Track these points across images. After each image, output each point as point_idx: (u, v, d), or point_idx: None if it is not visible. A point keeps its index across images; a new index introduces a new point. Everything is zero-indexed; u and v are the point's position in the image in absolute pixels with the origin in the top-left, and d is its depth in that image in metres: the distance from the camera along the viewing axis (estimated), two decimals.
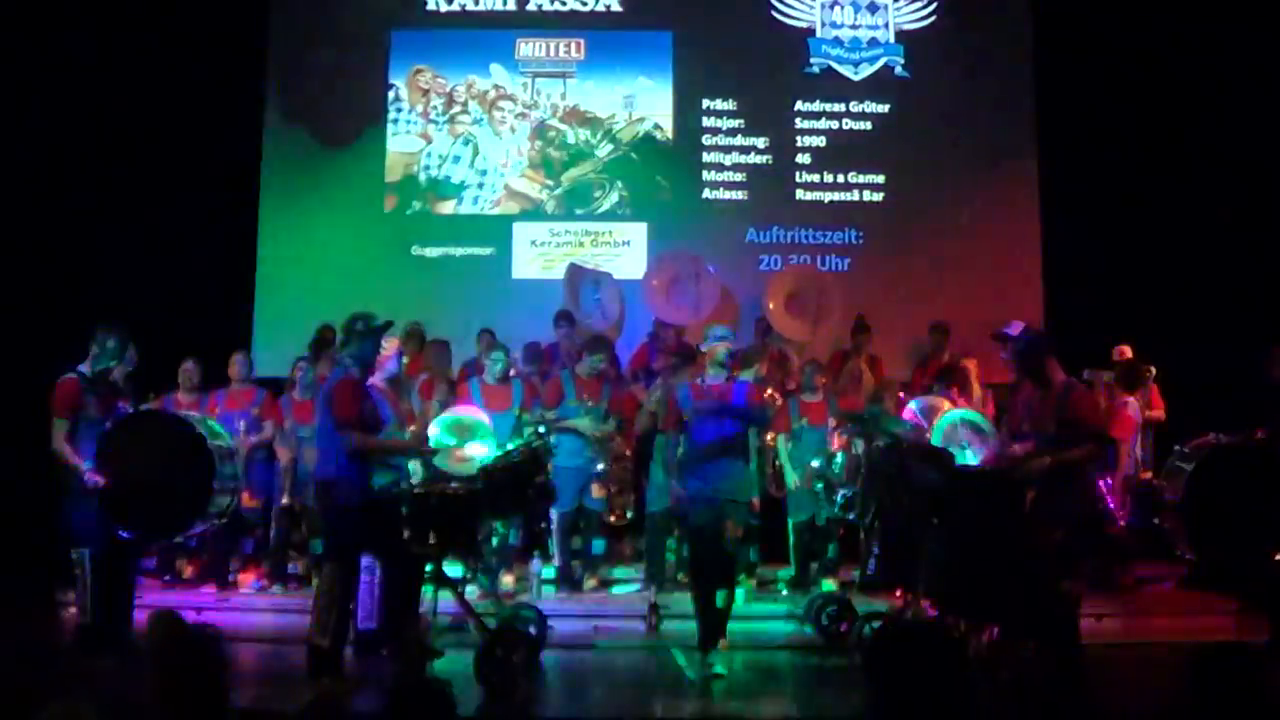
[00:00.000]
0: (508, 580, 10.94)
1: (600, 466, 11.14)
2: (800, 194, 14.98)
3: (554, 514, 10.87)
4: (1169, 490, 9.83)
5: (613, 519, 11.39)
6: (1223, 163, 13.61)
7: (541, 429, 9.65)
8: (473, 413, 10.57)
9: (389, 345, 9.50)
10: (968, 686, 3.67)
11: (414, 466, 9.37)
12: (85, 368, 9.10)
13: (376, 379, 9.18)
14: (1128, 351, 11.93)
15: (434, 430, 10.24)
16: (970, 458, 9.26)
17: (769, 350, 12.82)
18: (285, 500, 11.05)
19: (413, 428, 10.14)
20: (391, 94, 15.09)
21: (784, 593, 11.20)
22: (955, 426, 9.54)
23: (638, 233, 14.89)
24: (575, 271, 14.01)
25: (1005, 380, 10.84)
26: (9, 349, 12.32)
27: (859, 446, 10.07)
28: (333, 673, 8.08)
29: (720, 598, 8.81)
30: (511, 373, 11.52)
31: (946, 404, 10.51)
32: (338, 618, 8.12)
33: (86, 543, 8.83)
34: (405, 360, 10.57)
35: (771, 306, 13.40)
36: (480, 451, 9.87)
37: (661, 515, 10.69)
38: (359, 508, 8.22)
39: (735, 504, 8.86)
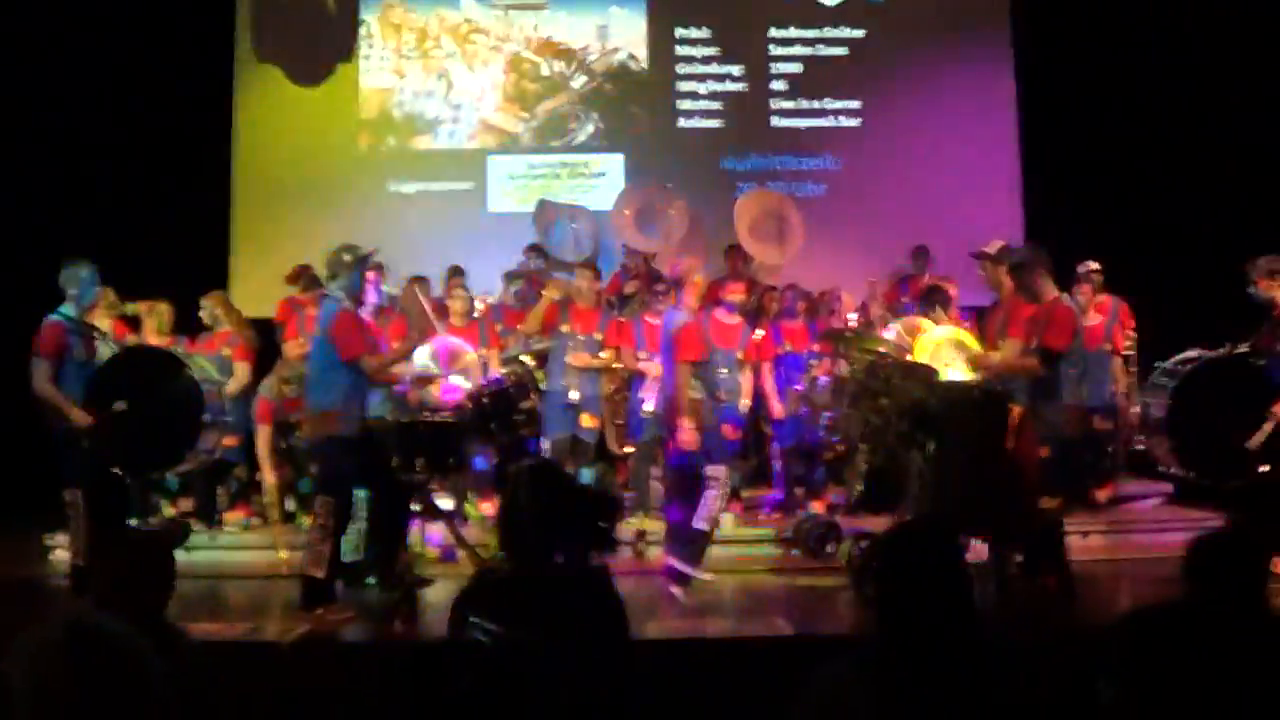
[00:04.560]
0: (486, 508, 10.90)
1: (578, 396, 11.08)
2: (776, 121, 14.97)
3: (545, 442, 10.91)
4: (1153, 407, 9.85)
5: (621, 450, 11.39)
6: (1209, 69, 13.57)
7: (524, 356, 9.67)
8: (459, 343, 10.47)
9: (369, 275, 9.48)
10: (970, 585, 3.70)
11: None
12: (69, 309, 9.03)
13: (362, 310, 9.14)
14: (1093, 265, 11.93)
15: (419, 358, 10.14)
16: (955, 375, 9.26)
17: (747, 278, 12.73)
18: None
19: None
20: (363, 30, 15.00)
21: (771, 516, 11.22)
22: (939, 344, 9.54)
23: (614, 164, 14.86)
24: (547, 206, 13.97)
25: (981, 303, 10.93)
26: None
27: (842, 368, 10.13)
28: (326, 603, 8.11)
29: None
30: (476, 311, 11.47)
31: (927, 323, 10.51)
32: (332, 549, 8.15)
33: (80, 482, 8.79)
34: (388, 290, 10.52)
35: (740, 233, 13.37)
36: (461, 383, 9.81)
37: (647, 443, 10.68)
38: (354, 439, 8.24)
39: None
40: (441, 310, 11.27)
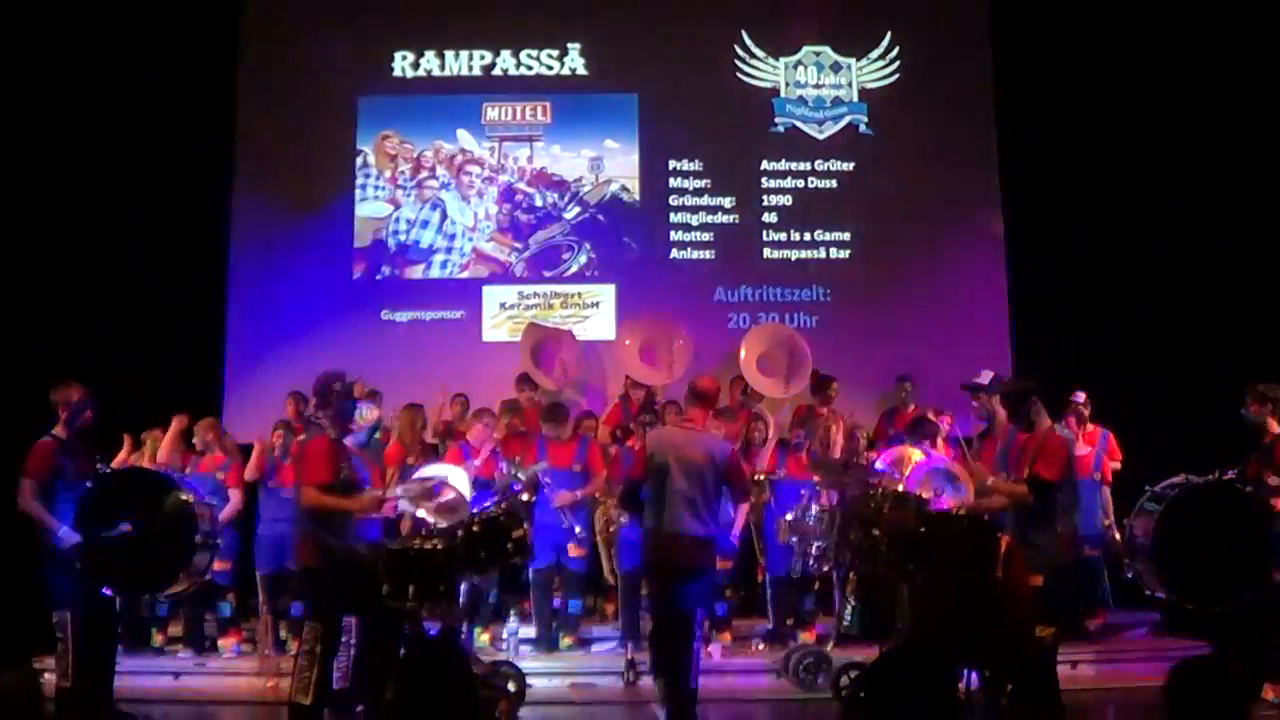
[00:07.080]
0: (484, 638, 10.92)
1: (578, 529, 11.09)
2: (768, 252, 15.12)
3: (529, 570, 10.90)
4: (1138, 531, 9.83)
5: (613, 580, 11.40)
6: (1188, 206, 13.79)
7: (515, 485, 9.67)
8: (452, 469, 10.46)
9: (369, 414, 9.45)
10: (959, 715, 3.71)
11: None
12: (60, 431, 8.99)
13: (349, 441, 9.10)
14: (1080, 397, 12.03)
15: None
16: (944, 504, 9.26)
17: (745, 410, 12.75)
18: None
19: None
20: (359, 159, 15.18)
21: (761, 647, 11.18)
22: (929, 474, 9.55)
23: (607, 294, 14.98)
24: (533, 329, 14.08)
25: (973, 432, 10.95)
26: None
27: (834, 498, 10.15)
28: None
29: None
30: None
31: (917, 454, 10.52)
32: (319, 676, 8.10)
33: (69, 605, 8.66)
34: (378, 436, 10.55)
35: (745, 365, 13.41)
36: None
37: (634, 573, 10.65)
38: (341, 565, 8.22)
39: None
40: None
